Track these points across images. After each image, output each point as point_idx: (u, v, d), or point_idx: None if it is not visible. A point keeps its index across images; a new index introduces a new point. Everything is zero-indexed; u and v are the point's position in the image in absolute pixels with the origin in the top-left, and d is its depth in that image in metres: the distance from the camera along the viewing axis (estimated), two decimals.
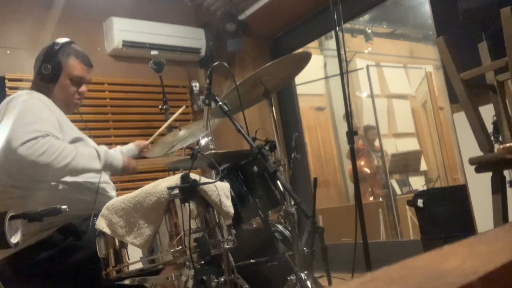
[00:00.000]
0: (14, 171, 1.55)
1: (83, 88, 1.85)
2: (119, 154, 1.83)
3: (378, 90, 5.94)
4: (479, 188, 2.38)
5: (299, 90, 4.66)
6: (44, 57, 1.75)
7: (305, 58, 1.92)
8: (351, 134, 2.16)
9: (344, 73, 2.17)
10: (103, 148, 1.70)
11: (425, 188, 5.51)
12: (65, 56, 1.78)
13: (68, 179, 1.61)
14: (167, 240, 1.29)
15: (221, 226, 1.40)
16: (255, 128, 1.95)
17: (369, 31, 5.71)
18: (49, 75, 1.73)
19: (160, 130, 2.56)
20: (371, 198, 5.13)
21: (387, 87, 6.15)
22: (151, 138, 2.36)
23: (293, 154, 2.02)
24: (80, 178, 1.64)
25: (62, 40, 1.82)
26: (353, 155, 2.19)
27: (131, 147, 2.18)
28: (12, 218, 1.12)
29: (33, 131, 1.50)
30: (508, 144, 1.44)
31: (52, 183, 1.59)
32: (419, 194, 2.88)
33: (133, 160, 1.85)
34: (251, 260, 1.86)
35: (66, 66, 1.77)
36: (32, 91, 1.73)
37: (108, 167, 1.68)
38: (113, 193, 1.78)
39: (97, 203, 1.61)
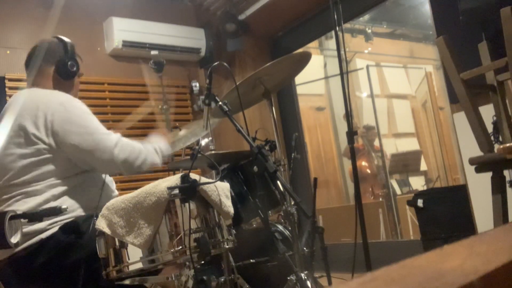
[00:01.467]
0: (91, 167, 1.64)
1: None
2: (159, 139, 1.84)
3: (378, 90, 5.94)
4: (479, 188, 2.38)
5: (299, 90, 4.66)
6: (62, 54, 1.78)
7: (305, 58, 1.92)
8: (351, 134, 2.16)
9: (344, 73, 2.17)
10: (150, 144, 1.76)
11: (425, 188, 5.51)
12: (75, 54, 1.84)
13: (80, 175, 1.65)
14: (167, 240, 1.29)
15: (221, 226, 1.40)
16: (255, 128, 1.95)
17: (369, 31, 5.71)
18: (72, 72, 1.79)
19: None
20: (371, 198, 5.13)
21: (387, 87, 6.15)
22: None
23: (293, 154, 2.02)
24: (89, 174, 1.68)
25: (65, 38, 1.86)
26: (353, 155, 2.19)
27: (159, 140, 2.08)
28: (12, 218, 1.12)
29: (108, 132, 1.66)
30: (508, 144, 1.44)
31: (61, 182, 1.61)
32: (419, 194, 2.88)
33: (165, 133, 1.95)
34: (251, 260, 1.86)
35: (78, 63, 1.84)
36: (53, 90, 1.73)
37: (163, 155, 1.77)
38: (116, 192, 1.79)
39: (102, 200, 1.62)
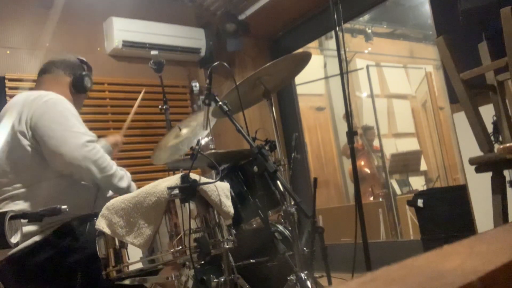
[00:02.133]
0: (58, 166, 1.58)
1: None
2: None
3: (378, 90, 5.94)
4: (479, 188, 2.38)
5: (299, 90, 4.66)
6: (81, 70, 1.90)
7: (305, 58, 1.92)
8: (351, 134, 2.16)
9: (344, 73, 2.17)
10: (124, 170, 1.74)
11: (425, 188, 5.51)
12: (91, 75, 1.95)
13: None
14: (167, 240, 1.29)
15: (221, 226, 1.40)
16: (255, 128, 1.95)
17: (369, 31, 5.71)
18: (86, 87, 1.88)
19: (128, 121, 2.56)
20: (371, 198, 5.13)
21: (387, 87, 6.15)
22: (122, 131, 2.35)
23: (293, 154, 2.02)
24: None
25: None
26: (353, 155, 2.19)
27: (104, 145, 2.09)
28: (12, 218, 1.12)
29: (90, 134, 1.62)
30: (508, 144, 1.44)
31: (55, 181, 1.60)
32: (419, 194, 2.88)
33: None
34: (251, 260, 1.85)
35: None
36: (63, 97, 1.77)
37: (130, 186, 1.73)
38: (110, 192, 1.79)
39: (98, 201, 1.62)
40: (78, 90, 1.87)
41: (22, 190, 1.57)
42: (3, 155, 1.60)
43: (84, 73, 1.89)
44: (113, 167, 1.63)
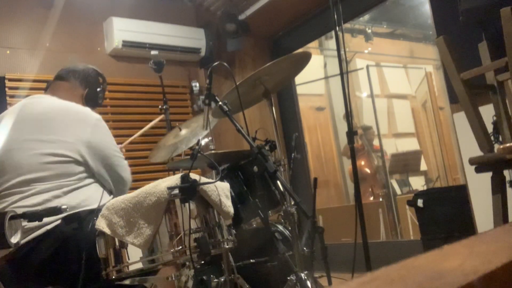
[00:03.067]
0: (119, 188, 1.75)
1: None
2: None
3: (378, 90, 5.94)
4: (479, 188, 2.38)
5: (299, 90, 4.66)
6: (97, 84, 1.95)
7: (305, 58, 1.92)
8: (351, 134, 2.16)
9: (344, 73, 2.17)
10: None
11: (425, 188, 5.51)
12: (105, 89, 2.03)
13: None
14: (167, 240, 1.29)
15: (221, 226, 1.40)
16: (255, 128, 1.95)
17: (369, 31, 5.71)
18: (98, 103, 1.96)
19: (135, 136, 2.62)
20: (371, 198, 5.13)
21: (387, 87, 6.15)
22: (125, 143, 2.41)
23: (293, 154, 2.02)
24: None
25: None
26: (353, 155, 2.19)
27: None
28: (12, 218, 1.12)
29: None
30: (508, 144, 1.44)
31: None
32: (419, 194, 2.88)
33: None
34: (251, 260, 1.86)
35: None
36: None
37: None
38: None
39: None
40: (90, 105, 1.89)
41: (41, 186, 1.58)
42: (30, 153, 1.60)
43: (99, 89, 1.93)
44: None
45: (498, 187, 1.74)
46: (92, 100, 1.91)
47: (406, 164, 5.28)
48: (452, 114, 2.73)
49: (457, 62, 1.78)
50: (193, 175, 1.32)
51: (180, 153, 2.30)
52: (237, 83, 1.73)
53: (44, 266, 1.50)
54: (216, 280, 1.64)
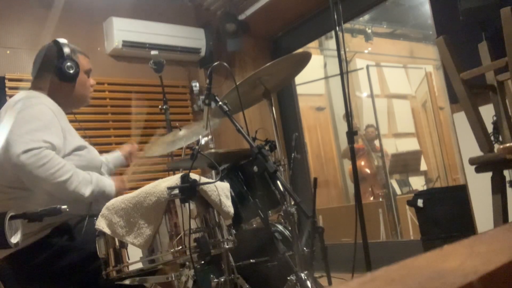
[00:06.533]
0: (10, 174, 1.53)
1: (92, 80, 1.91)
2: (112, 181, 1.71)
3: (378, 90, 5.95)
4: (479, 188, 2.38)
5: (299, 90, 4.66)
6: (57, 57, 1.76)
7: (305, 58, 1.92)
8: (351, 134, 2.16)
9: (344, 73, 2.17)
10: (96, 176, 1.63)
11: (425, 188, 5.51)
12: (75, 53, 1.82)
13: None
14: (167, 240, 1.29)
15: (221, 226, 1.40)
16: (255, 128, 1.95)
17: (369, 31, 5.72)
18: (72, 74, 1.75)
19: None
20: (371, 198, 5.13)
21: (387, 87, 6.15)
22: (134, 138, 2.35)
23: (293, 154, 2.02)
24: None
25: (62, 39, 1.84)
26: (353, 155, 2.19)
27: (118, 156, 2.08)
28: (12, 218, 1.12)
29: (38, 140, 1.48)
30: (508, 144, 1.44)
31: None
32: (419, 194, 2.88)
33: (124, 181, 1.79)
34: (251, 260, 1.86)
35: (80, 62, 1.81)
36: (41, 93, 1.71)
37: (100, 194, 1.61)
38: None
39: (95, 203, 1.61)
40: (66, 79, 1.75)
41: (23, 193, 1.56)
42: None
43: (61, 60, 1.74)
44: (68, 173, 1.49)
45: (498, 187, 1.74)
46: (64, 76, 1.73)
47: (406, 164, 5.28)
48: (452, 114, 2.73)
49: (457, 62, 1.78)
50: (193, 175, 1.32)
51: (179, 149, 2.30)
52: (237, 83, 1.73)
53: (34, 276, 1.50)
54: (216, 280, 1.64)
